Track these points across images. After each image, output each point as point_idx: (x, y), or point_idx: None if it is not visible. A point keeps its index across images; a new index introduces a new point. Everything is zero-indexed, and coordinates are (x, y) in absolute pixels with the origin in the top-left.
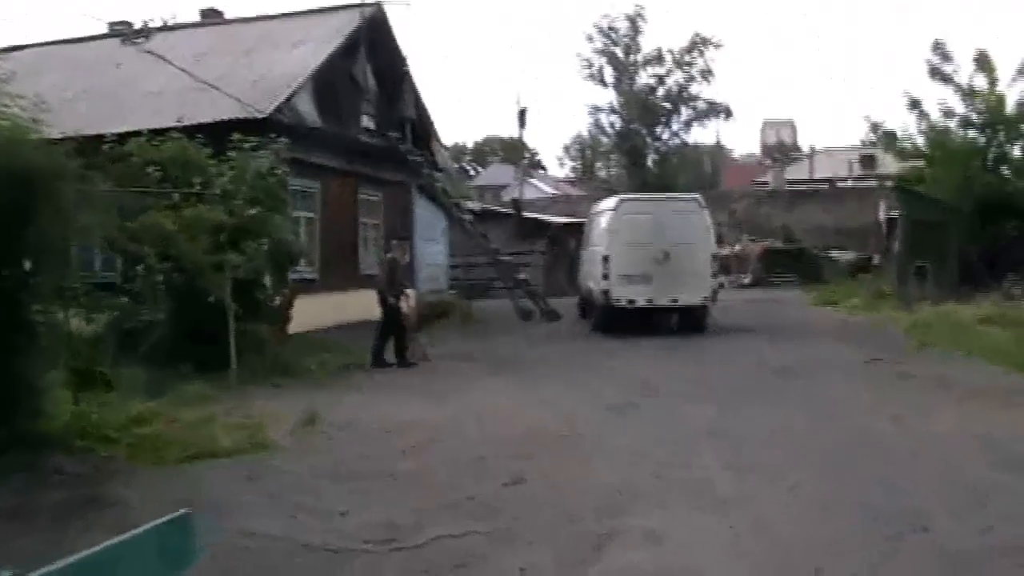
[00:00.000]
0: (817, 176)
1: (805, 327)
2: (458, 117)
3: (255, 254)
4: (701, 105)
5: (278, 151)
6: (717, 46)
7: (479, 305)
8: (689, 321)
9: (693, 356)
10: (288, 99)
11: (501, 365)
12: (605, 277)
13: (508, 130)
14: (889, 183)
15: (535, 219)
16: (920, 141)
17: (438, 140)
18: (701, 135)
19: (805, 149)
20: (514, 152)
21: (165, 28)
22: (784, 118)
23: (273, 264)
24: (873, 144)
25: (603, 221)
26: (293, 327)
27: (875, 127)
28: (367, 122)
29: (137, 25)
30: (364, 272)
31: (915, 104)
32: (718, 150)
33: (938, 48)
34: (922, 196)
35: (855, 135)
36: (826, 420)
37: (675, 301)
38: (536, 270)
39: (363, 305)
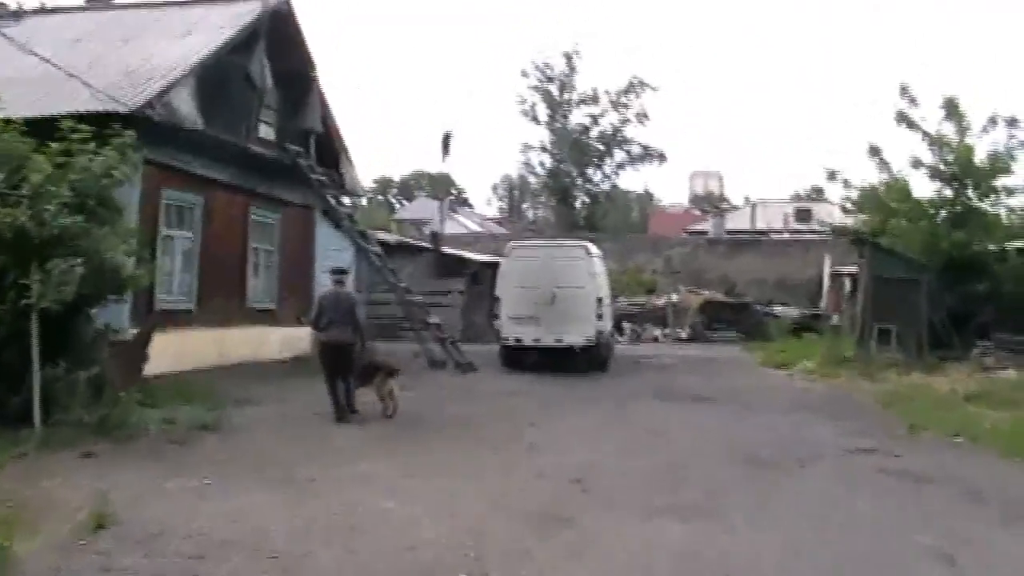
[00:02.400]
0: (751, 228)
1: (761, 395)
2: (386, 150)
3: (63, 276)
4: (635, 149)
5: (123, 145)
6: (654, 89)
7: (385, 349)
8: (590, 361)
9: (637, 431)
10: (162, 93)
11: (395, 432)
12: (496, 317)
13: (437, 165)
14: (841, 236)
15: (455, 255)
16: (881, 191)
17: (348, 159)
18: (628, 181)
19: (734, 200)
20: (441, 188)
21: (42, 11)
22: (712, 169)
23: (93, 290)
24: (817, 194)
25: (501, 264)
26: (157, 367)
27: (831, 175)
28: (265, 131)
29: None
30: (252, 305)
31: (875, 152)
32: (647, 197)
33: (905, 92)
34: (890, 251)
35: (784, 188)
36: (850, 557)
37: (559, 340)
38: (454, 311)
39: (249, 343)
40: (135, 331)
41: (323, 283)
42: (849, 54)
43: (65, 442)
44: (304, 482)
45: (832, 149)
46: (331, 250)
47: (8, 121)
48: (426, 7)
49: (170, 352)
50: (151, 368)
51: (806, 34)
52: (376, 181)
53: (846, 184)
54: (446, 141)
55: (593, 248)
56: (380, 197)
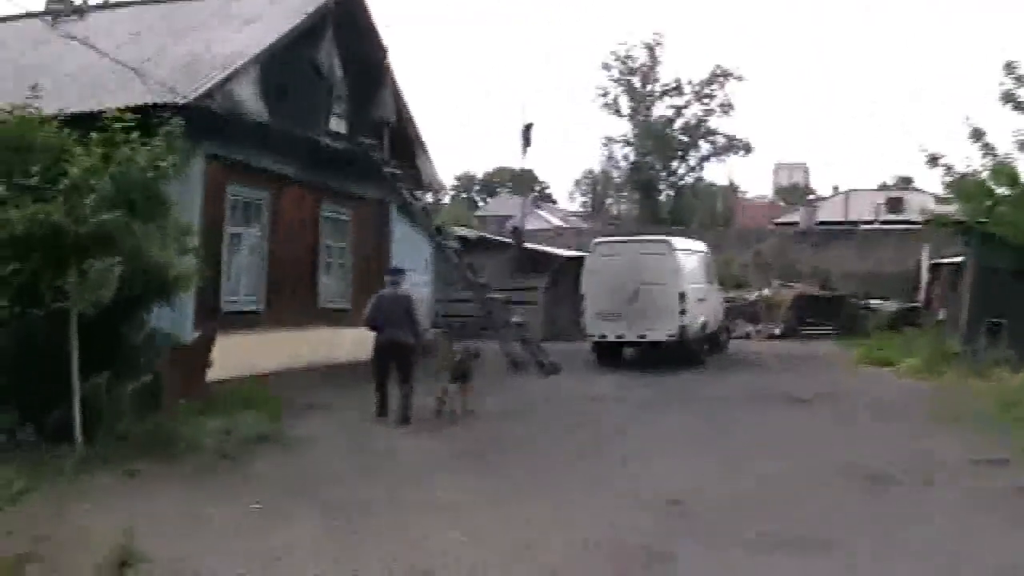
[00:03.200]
0: (843, 218)
1: (864, 397)
2: (468, 147)
3: (100, 277)
4: (720, 140)
5: (170, 135)
6: (739, 79)
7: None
8: (681, 357)
9: (735, 440)
10: (223, 83)
11: (470, 445)
12: (582, 314)
13: (519, 161)
14: (942, 225)
15: (537, 251)
16: (985, 176)
17: (425, 152)
18: (712, 174)
19: (820, 192)
20: (523, 184)
21: (106, 6)
22: (797, 161)
23: (137, 292)
24: (906, 183)
25: (586, 261)
26: (222, 372)
27: (933, 159)
28: (335, 124)
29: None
30: (324, 305)
31: (978, 135)
32: (731, 189)
33: (1011, 69)
34: (1000, 240)
35: (871, 178)
36: None
37: (642, 337)
38: (536, 310)
39: (321, 345)
40: (196, 335)
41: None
42: (940, 36)
43: (107, 460)
44: (363, 508)
45: (925, 137)
46: (407, 247)
47: (44, 119)
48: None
49: (236, 356)
50: (215, 373)
51: (891, 17)
52: (458, 178)
53: (948, 170)
54: (527, 133)
55: (678, 242)
56: (463, 194)
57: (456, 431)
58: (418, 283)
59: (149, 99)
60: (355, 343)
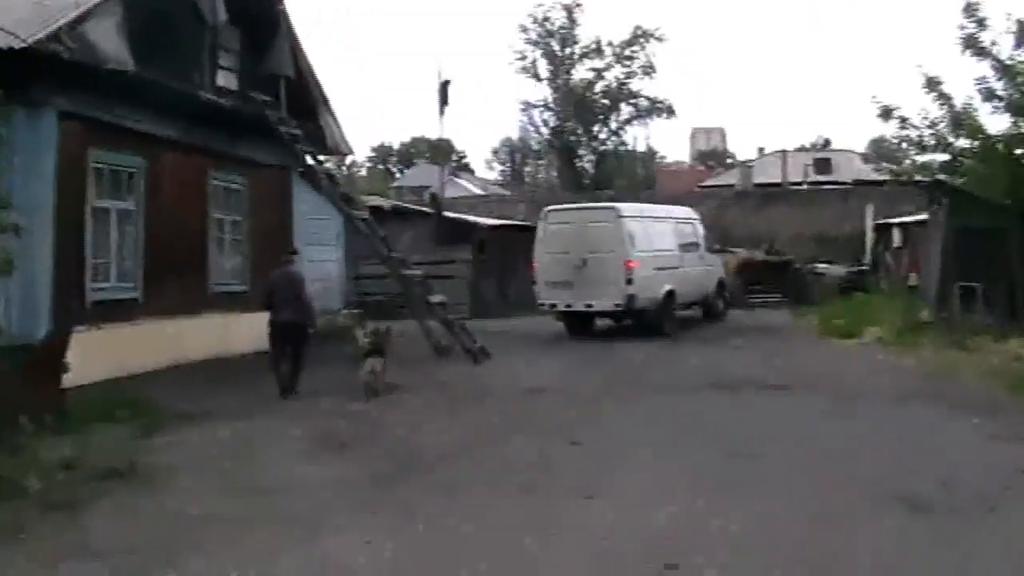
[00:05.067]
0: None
1: (845, 378)
2: (384, 117)
3: None
4: (642, 102)
5: None
6: (660, 39)
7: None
8: (644, 325)
9: (717, 449)
10: (73, 24)
11: (381, 467)
12: (534, 283)
13: (436, 129)
14: (903, 184)
15: (459, 220)
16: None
17: (328, 110)
18: (630, 139)
19: (739, 156)
20: (441, 153)
21: None
22: (713, 125)
23: None
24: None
25: (537, 230)
26: (90, 374)
27: (886, 111)
28: (224, 79)
29: None
30: (216, 289)
31: (933, 84)
32: (650, 154)
33: (971, 12)
34: (975, 198)
35: (789, 141)
36: None
37: (589, 306)
38: (460, 284)
39: (212, 335)
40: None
41: (306, 257)
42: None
43: None
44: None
45: (841, 95)
46: (313, 218)
47: None
48: None
49: (107, 354)
50: (77, 378)
51: None
52: (374, 150)
53: (903, 123)
54: (444, 90)
55: (628, 208)
56: (379, 166)
57: (364, 446)
58: (327, 259)
59: None
60: (254, 330)
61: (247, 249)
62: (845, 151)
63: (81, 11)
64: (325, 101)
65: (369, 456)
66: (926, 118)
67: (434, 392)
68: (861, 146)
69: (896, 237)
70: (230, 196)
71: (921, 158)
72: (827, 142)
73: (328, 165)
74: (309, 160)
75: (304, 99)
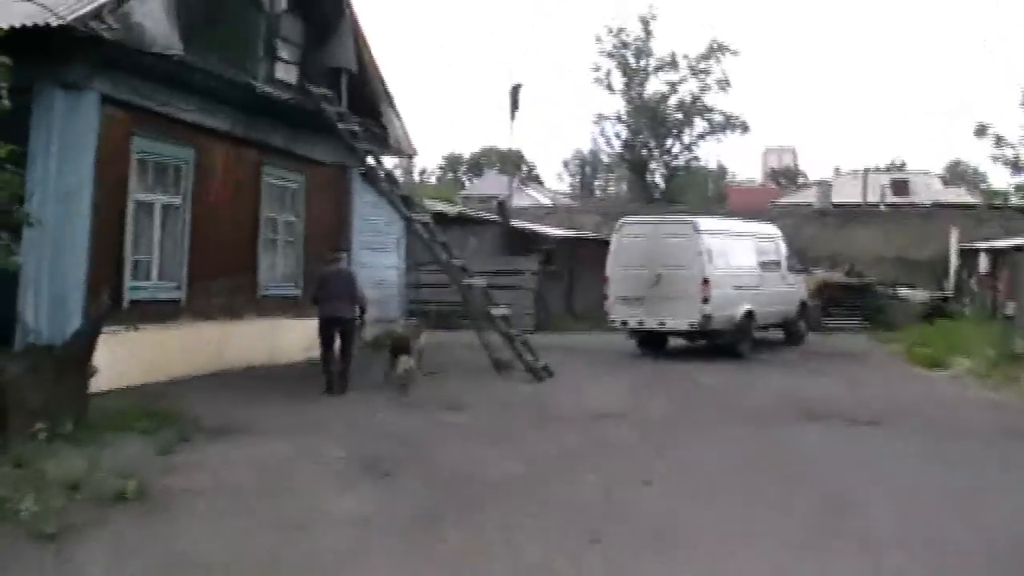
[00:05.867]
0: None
1: (940, 414)
2: (455, 127)
3: None
4: (716, 117)
5: None
6: (735, 54)
7: (444, 340)
8: (720, 346)
9: (808, 495)
10: (118, 3)
11: (423, 507)
12: (606, 298)
13: (505, 139)
14: (999, 207)
15: (527, 230)
16: None
17: (392, 107)
18: (701, 156)
19: (810, 176)
20: (511, 163)
21: None
22: (785, 144)
23: None
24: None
25: (611, 242)
26: (120, 379)
27: (981, 129)
28: (284, 72)
29: None
30: (266, 292)
31: None
32: (721, 172)
33: None
34: None
35: (860, 161)
36: None
37: (662, 324)
38: (525, 295)
39: (260, 341)
40: (71, 335)
41: (363, 262)
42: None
43: None
44: None
45: (915, 117)
46: (373, 221)
47: None
48: None
49: (144, 357)
50: (108, 381)
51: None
52: (445, 159)
53: (998, 141)
54: (515, 95)
55: (707, 223)
56: (450, 175)
57: (410, 473)
58: (386, 264)
59: (16, 22)
60: (306, 336)
61: (300, 251)
62: (923, 172)
63: None
64: (389, 98)
65: (415, 486)
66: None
67: (491, 412)
68: (937, 168)
69: (983, 262)
70: (284, 194)
71: (1017, 179)
72: (902, 164)
73: (394, 168)
74: (369, 159)
75: (367, 96)
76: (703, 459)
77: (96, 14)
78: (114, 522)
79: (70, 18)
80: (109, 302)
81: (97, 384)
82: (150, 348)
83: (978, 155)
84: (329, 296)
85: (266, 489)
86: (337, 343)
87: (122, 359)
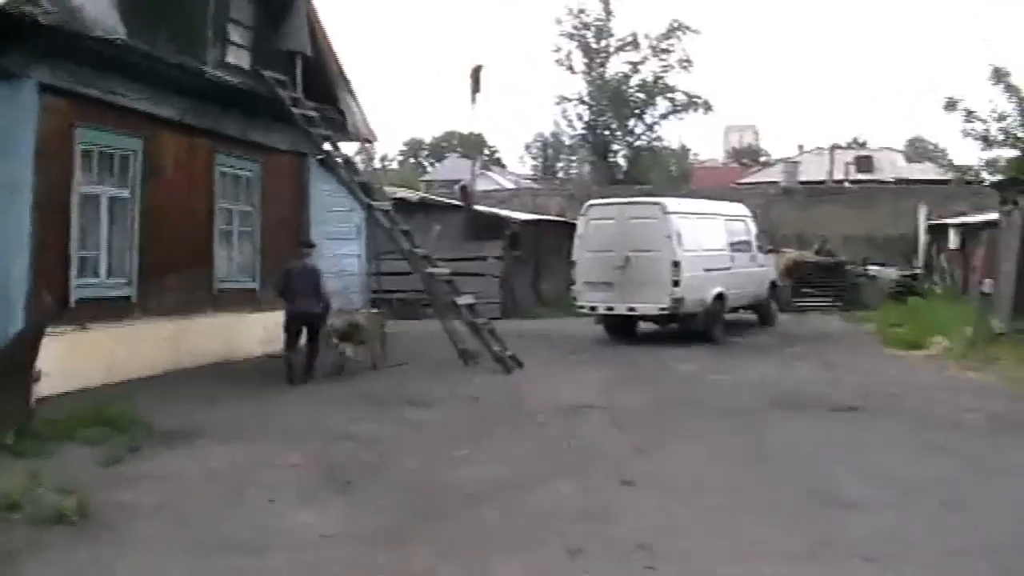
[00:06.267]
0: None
1: (926, 398)
2: (416, 111)
3: None
4: (679, 97)
5: None
6: (696, 32)
7: (408, 329)
8: (692, 331)
9: (797, 495)
10: None
11: (382, 520)
12: (573, 283)
13: (469, 124)
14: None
15: (491, 214)
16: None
17: (350, 92)
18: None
19: (773, 154)
20: (473, 147)
21: None
22: (746, 123)
23: None
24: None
25: (577, 225)
26: (75, 381)
27: (951, 103)
28: (234, 56)
29: None
30: (222, 285)
31: (1000, 75)
32: (683, 152)
33: None
34: None
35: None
36: None
37: (632, 309)
38: (490, 282)
39: (218, 336)
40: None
41: (323, 252)
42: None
43: None
44: None
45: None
46: (333, 210)
47: None
48: None
49: (94, 358)
50: (59, 384)
51: None
52: (406, 144)
53: (969, 115)
54: (476, 75)
55: (675, 203)
56: (411, 160)
57: (374, 481)
58: (347, 253)
59: None
60: (265, 330)
61: (258, 242)
62: (887, 149)
63: None
64: (346, 82)
65: (379, 496)
66: (994, 111)
67: (458, 409)
68: (898, 145)
69: (953, 239)
70: (239, 184)
71: (987, 154)
72: (864, 142)
73: (355, 155)
74: (327, 146)
75: (323, 80)
76: (684, 455)
77: None
78: (52, 547)
79: (2, 1)
80: (52, 301)
81: (43, 389)
82: (100, 348)
83: (940, 131)
84: (295, 292)
85: (218, 504)
86: (303, 338)
87: (70, 361)
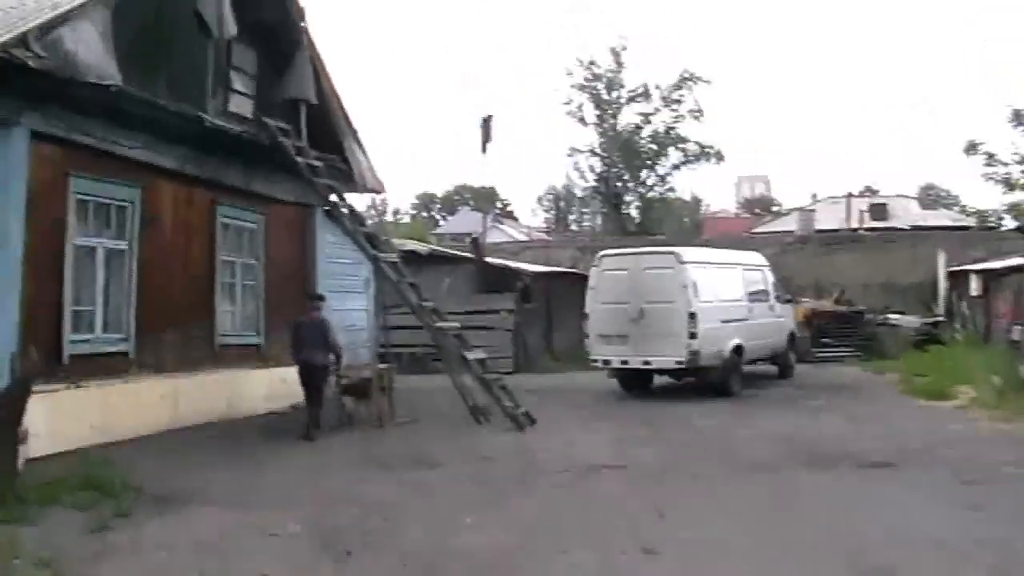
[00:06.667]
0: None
1: (960, 454)
2: (428, 166)
3: None
4: (691, 147)
5: None
6: (707, 82)
7: (418, 385)
8: (709, 384)
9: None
10: (46, 30)
11: None
12: (586, 336)
13: (480, 175)
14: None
15: (502, 266)
16: None
17: (356, 141)
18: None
19: (785, 204)
20: (485, 199)
21: None
22: (758, 173)
23: None
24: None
25: (590, 277)
26: (69, 441)
27: (971, 147)
28: (238, 104)
29: None
30: (224, 340)
31: (1021, 117)
32: (695, 203)
33: None
34: None
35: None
36: None
37: (647, 363)
38: (502, 335)
39: (220, 393)
40: None
41: (330, 305)
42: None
43: None
44: None
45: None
46: (340, 262)
47: None
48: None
49: (87, 417)
50: (50, 444)
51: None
52: (418, 198)
53: (990, 159)
54: (486, 126)
55: (691, 253)
56: (423, 214)
57: (377, 552)
58: (354, 307)
59: None
60: (269, 387)
61: (261, 296)
62: (900, 196)
63: (56, 14)
64: (352, 131)
65: (380, 570)
66: (1016, 153)
67: (468, 469)
68: (910, 193)
69: (975, 285)
70: (242, 236)
71: (1009, 198)
72: (876, 190)
73: (367, 208)
74: (332, 196)
75: (329, 129)
76: (710, 520)
77: (21, 41)
78: None
79: None
80: (38, 357)
81: (32, 450)
82: (94, 407)
83: (953, 177)
84: (301, 344)
85: None
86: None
87: (61, 420)
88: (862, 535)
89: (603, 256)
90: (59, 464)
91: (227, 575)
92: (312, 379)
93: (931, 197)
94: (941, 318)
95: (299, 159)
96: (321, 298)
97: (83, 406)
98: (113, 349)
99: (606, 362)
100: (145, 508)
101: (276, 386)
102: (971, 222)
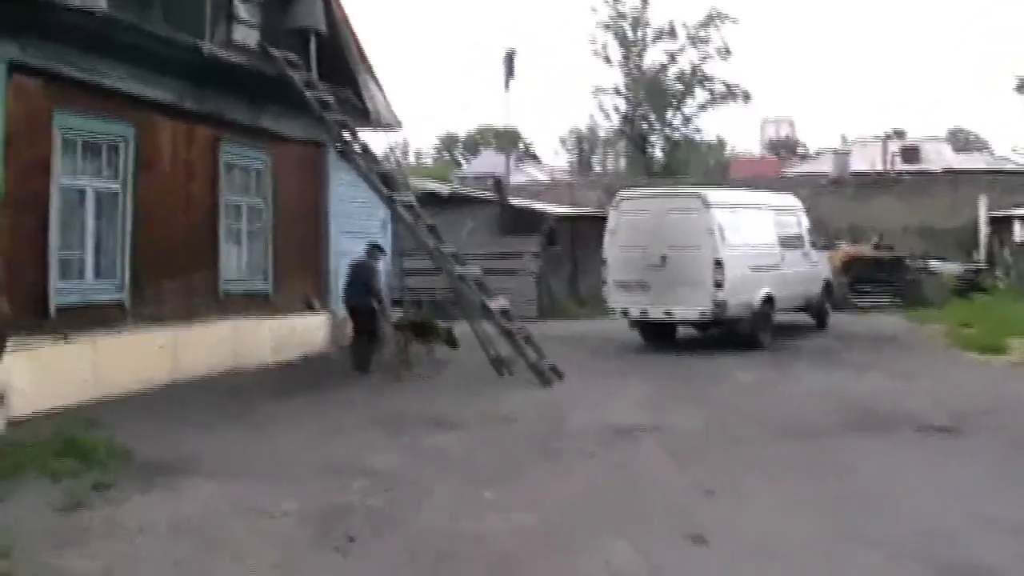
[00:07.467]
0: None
1: None
2: (451, 107)
3: None
4: (718, 87)
5: None
6: (734, 21)
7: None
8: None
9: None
10: None
11: None
12: (604, 283)
13: (503, 112)
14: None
15: (526, 208)
16: None
17: (370, 74)
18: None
19: (810, 147)
20: (507, 140)
21: None
22: (783, 115)
23: None
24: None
25: (608, 219)
26: (48, 401)
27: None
28: (242, 34)
29: None
30: (228, 288)
31: None
32: (720, 145)
33: None
34: None
35: (858, 132)
36: None
37: (669, 314)
38: (526, 280)
39: (224, 345)
40: None
41: (342, 250)
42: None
43: None
44: None
45: (910, 86)
46: (355, 204)
47: None
48: None
49: (76, 373)
50: (33, 403)
51: None
52: (440, 139)
53: None
54: (510, 62)
55: (717, 195)
56: (445, 155)
57: (381, 538)
58: None
59: None
60: (279, 338)
61: (269, 240)
62: (932, 139)
63: None
64: (367, 65)
65: (384, 562)
66: None
67: (489, 433)
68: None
69: (1019, 231)
70: (248, 176)
71: None
72: (903, 133)
73: (387, 148)
74: (344, 133)
75: (341, 62)
76: (762, 499)
77: None
78: None
79: None
80: (9, 310)
81: (15, 409)
82: (84, 361)
83: (981, 121)
84: (347, 285)
85: (178, 572)
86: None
87: (47, 377)
88: (940, 520)
89: (623, 198)
90: (43, 425)
91: (203, 568)
92: (355, 322)
93: (960, 140)
94: (982, 265)
95: (308, 93)
96: (378, 247)
97: (71, 361)
98: (106, 299)
99: (624, 312)
100: (129, 479)
101: (285, 336)
102: (1012, 166)
